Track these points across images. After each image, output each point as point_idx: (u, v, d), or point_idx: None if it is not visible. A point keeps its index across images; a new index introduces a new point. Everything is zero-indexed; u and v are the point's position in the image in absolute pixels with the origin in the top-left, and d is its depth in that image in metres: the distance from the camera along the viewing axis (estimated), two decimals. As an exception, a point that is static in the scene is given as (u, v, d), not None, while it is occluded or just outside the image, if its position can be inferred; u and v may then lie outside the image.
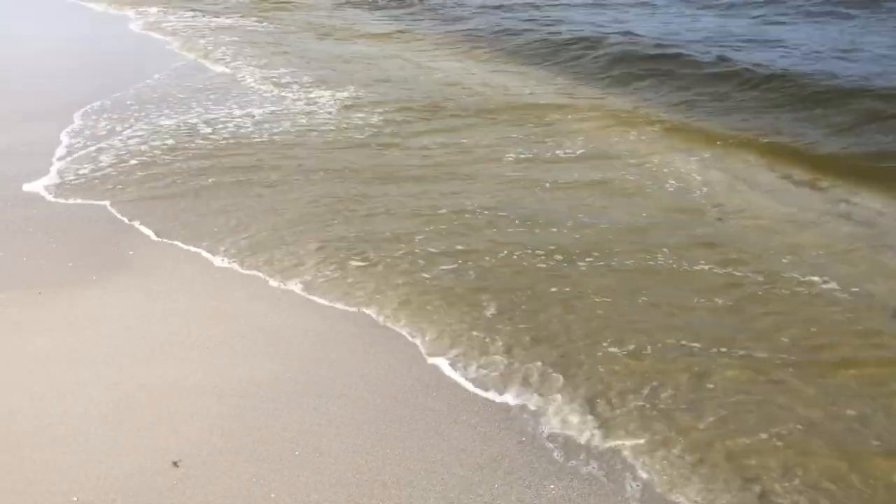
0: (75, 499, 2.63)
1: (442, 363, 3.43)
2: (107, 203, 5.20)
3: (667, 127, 7.02)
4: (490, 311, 3.78)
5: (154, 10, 16.75)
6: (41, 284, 4.14)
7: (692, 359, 3.37)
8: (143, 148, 6.26)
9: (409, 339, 3.63)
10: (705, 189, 5.45)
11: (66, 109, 7.39)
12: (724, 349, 3.44)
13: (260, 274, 4.27)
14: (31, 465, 2.81)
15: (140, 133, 6.67)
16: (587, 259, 4.31)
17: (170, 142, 6.45)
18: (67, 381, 3.32)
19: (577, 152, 6.23)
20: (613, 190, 5.42)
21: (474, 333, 3.60)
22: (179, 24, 14.31)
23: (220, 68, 9.98)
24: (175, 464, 2.80)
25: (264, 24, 14.95)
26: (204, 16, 15.65)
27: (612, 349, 3.45)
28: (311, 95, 8.27)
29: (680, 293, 3.95)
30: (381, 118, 7.33)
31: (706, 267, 4.22)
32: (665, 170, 5.82)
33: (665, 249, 4.42)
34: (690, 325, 3.64)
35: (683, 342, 3.49)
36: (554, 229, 4.73)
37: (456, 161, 6.01)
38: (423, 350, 3.54)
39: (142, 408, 3.14)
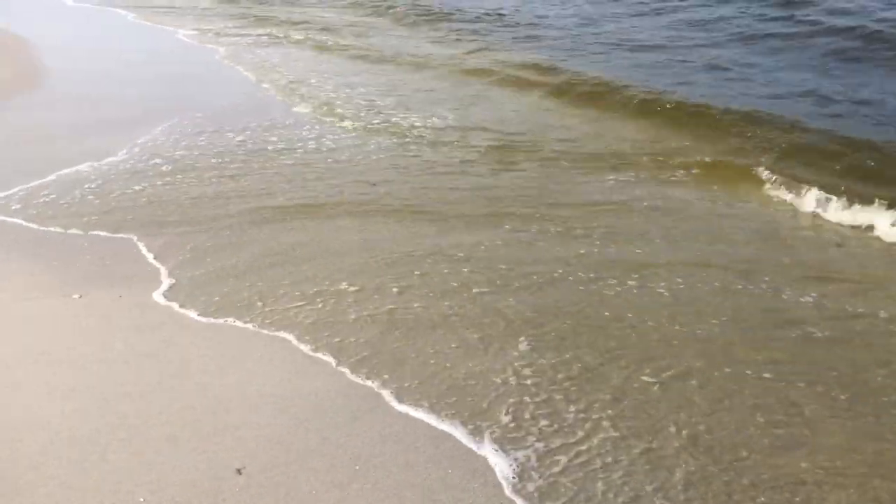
0: (142, 500, 2.69)
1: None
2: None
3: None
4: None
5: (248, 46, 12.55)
6: (111, 287, 4.27)
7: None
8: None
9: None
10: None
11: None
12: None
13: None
14: (98, 465, 2.88)
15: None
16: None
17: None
18: (135, 384, 3.42)
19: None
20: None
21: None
22: (275, 59, 11.30)
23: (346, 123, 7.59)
24: (238, 471, 2.84)
25: (347, 53, 12.04)
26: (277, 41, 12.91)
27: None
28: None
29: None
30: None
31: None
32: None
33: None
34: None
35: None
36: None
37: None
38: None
39: (207, 414, 3.20)
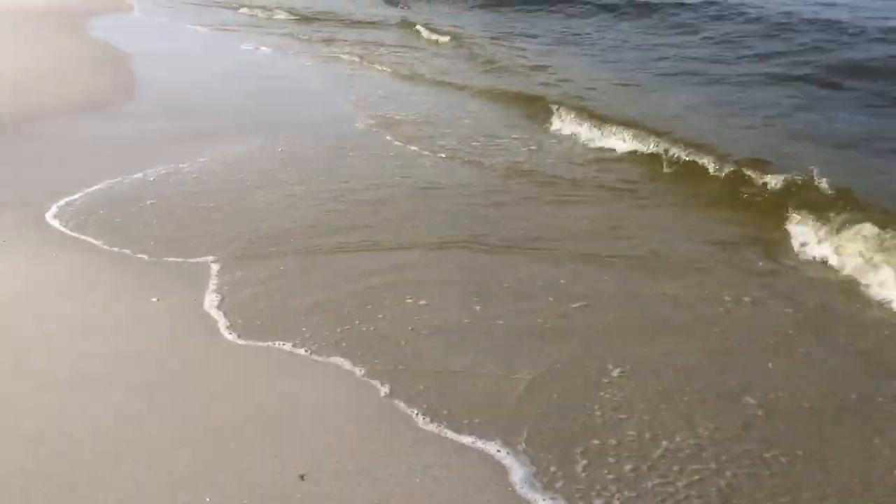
0: (208, 500, 2.78)
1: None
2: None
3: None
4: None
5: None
6: (182, 294, 4.40)
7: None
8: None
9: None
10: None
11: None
12: None
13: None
14: (166, 465, 2.99)
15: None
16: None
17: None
18: (203, 390, 3.54)
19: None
20: None
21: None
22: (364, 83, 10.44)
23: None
24: (301, 477, 2.90)
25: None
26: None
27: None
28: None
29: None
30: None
31: None
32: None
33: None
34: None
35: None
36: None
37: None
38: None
39: (273, 419, 3.29)
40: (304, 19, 17.96)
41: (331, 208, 5.63)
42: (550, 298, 4.32)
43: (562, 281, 4.54)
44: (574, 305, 4.24)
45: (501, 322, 4.09)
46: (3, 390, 3.46)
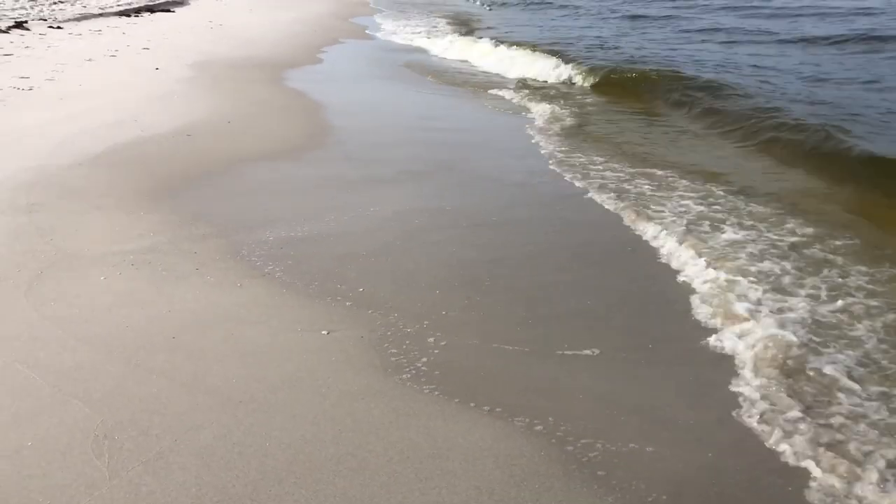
0: None
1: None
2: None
3: None
4: None
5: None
6: (354, 328, 4.63)
7: None
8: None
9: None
10: None
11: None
12: None
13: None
14: (324, 490, 3.13)
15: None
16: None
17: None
18: (361, 421, 3.68)
19: None
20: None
21: None
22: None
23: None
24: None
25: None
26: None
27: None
28: None
29: None
30: None
31: None
32: None
33: None
34: None
35: None
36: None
37: None
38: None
39: (425, 457, 3.38)
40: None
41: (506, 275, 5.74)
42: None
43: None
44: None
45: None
46: (183, 404, 3.76)
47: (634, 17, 24.90)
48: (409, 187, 7.46)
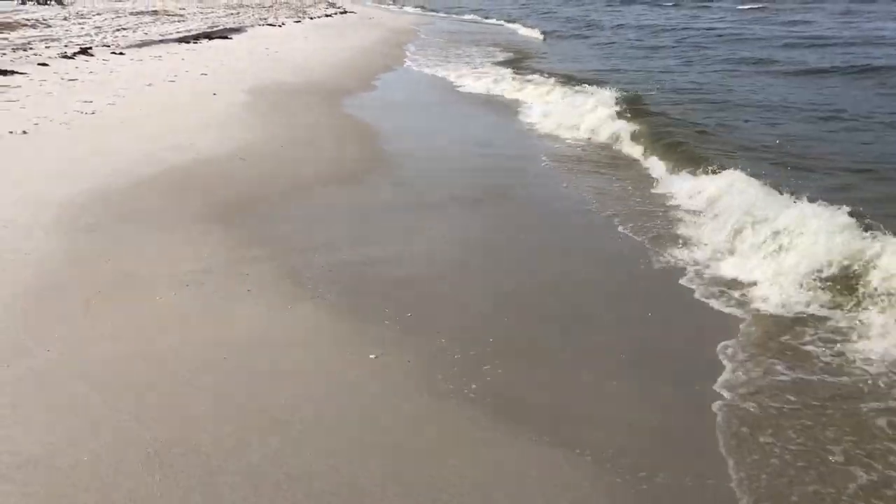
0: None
1: None
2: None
3: None
4: None
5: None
6: (399, 353, 4.65)
7: None
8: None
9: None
10: None
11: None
12: None
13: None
14: (374, 513, 3.13)
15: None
16: None
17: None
18: (410, 445, 3.68)
19: None
20: None
21: None
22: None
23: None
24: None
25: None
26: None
27: None
28: None
29: None
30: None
31: None
32: None
33: None
34: None
35: None
36: None
37: None
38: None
39: (474, 485, 3.38)
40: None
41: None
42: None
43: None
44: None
45: None
46: (232, 423, 3.81)
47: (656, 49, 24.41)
48: (459, 213, 7.50)
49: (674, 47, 24.81)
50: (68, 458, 3.50)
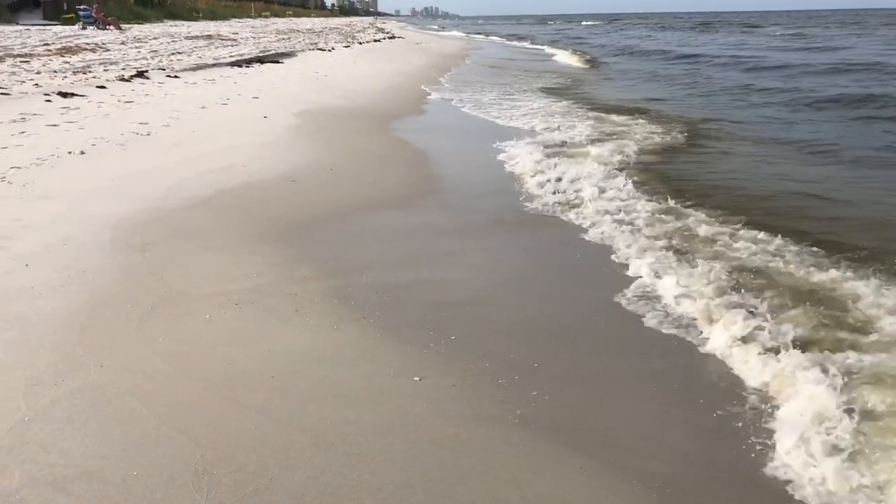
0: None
1: None
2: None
3: None
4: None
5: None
6: (441, 377, 4.66)
7: None
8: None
9: None
10: None
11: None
12: None
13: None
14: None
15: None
16: None
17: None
18: (451, 469, 3.68)
19: None
20: None
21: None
22: None
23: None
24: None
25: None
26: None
27: None
28: None
29: None
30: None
31: None
32: None
33: None
34: None
35: None
36: None
37: None
38: None
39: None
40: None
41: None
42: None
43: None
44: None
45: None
46: (279, 443, 3.86)
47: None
48: (504, 238, 7.51)
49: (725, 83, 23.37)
50: (120, 472, 3.58)
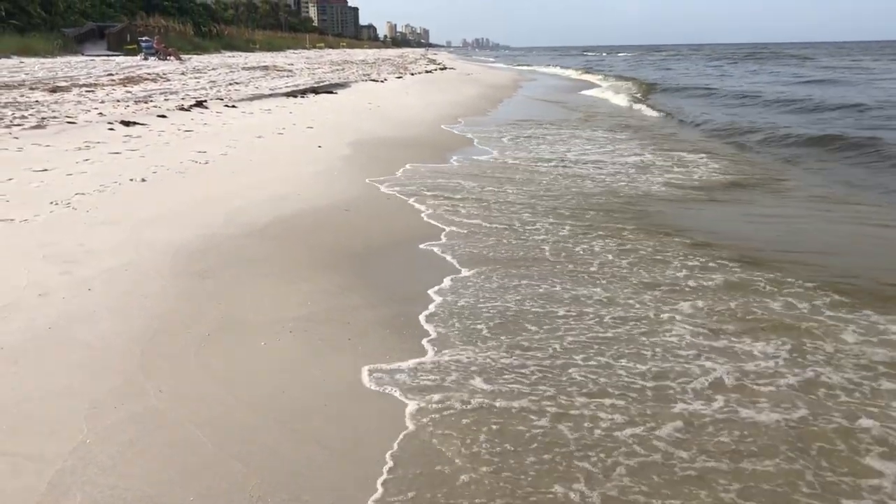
0: None
1: None
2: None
3: None
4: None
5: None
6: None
7: None
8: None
9: None
10: None
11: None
12: None
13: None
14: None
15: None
16: None
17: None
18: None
19: None
20: None
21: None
22: None
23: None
24: None
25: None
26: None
27: None
28: None
29: None
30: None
31: None
32: None
33: None
34: None
35: None
36: None
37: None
38: None
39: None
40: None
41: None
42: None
43: None
44: None
45: None
46: (333, 472, 3.88)
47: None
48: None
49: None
50: (177, 497, 3.63)
